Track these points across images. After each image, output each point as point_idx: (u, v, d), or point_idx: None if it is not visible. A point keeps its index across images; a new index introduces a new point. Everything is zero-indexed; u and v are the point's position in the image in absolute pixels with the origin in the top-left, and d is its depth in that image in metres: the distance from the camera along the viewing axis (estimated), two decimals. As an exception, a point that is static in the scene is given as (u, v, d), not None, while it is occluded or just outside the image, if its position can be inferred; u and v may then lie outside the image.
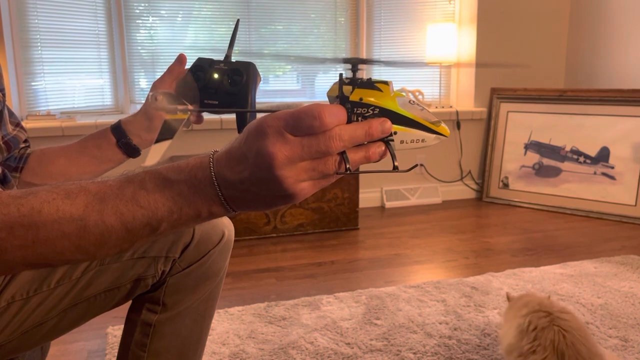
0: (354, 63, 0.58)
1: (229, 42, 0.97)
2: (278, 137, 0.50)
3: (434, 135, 0.58)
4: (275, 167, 0.50)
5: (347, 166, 0.53)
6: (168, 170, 0.54)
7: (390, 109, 0.56)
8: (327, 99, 0.61)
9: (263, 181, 0.51)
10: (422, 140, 0.58)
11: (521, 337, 1.26)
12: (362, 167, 0.66)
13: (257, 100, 0.94)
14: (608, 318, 1.77)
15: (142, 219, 0.53)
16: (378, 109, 0.56)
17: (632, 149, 2.98)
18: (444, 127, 0.59)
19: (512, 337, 1.29)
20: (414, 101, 0.58)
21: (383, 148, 0.55)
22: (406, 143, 0.58)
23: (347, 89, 0.57)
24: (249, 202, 0.54)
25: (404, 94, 0.58)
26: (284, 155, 0.50)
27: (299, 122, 0.50)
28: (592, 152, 3.11)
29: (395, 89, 0.60)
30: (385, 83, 0.57)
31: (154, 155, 0.47)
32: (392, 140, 0.57)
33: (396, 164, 0.56)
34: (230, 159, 0.53)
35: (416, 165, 0.65)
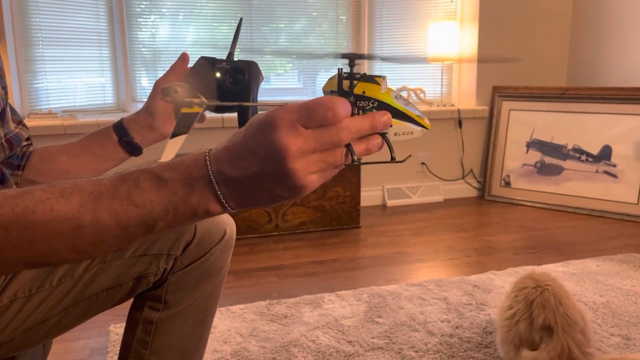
0: (351, 58, 0.59)
1: (231, 40, 0.97)
2: (291, 130, 0.50)
3: (420, 128, 0.61)
4: (288, 160, 0.50)
5: (354, 157, 0.54)
6: (162, 169, 0.54)
7: (387, 102, 0.59)
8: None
9: (273, 175, 0.51)
10: (411, 133, 0.61)
11: (505, 298, 1.44)
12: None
13: (259, 98, 0.94)
14: (610, 316, 1.77)
15: (137, 219, 0.53)
16: (377, 102, 0.58)
17: (634, 147, 2.98)
18: (426, 121, 0.62)
19: (500, 303, 1.47)
20: (400, 95, 0.61)
21: (381, 140, 0.57)
22: (399, 135, 0.60)
23: (345, 83, 0.59)
24: (251, 198, 0.54)
25: (393, 88, 0.61)
26: (297, 148, 0.50)
27: (313, 114, 0.50)
28: (594, 150, 3.11)
29: (396, 87, 0.61)
30: (382, 77, 0.59)
31: (171, 150, 0.47)
32: (387, 132, 0.59)
33: (394, 155, 0.59)
34: (233, 156, 0.52)
35: (410, 156, 0.67)
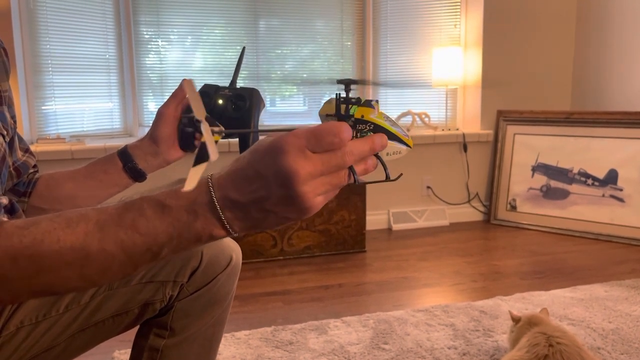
0: (347, 83, 0.62)
1: (234, 68, 0.99)
2: (300, 155, 0.52)
3: (405, 147, 0.65)
4: (299, 184, 0.51)
5: (356, 177, 0.57)
6: (166, 197, 0.55)
7: (381, 125, 0.63)
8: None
9: (282, 198, 0.52)
10: (399, 152, 0.65)
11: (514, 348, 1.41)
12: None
13: (265, 122, 0.96)
14: (619, 343, 1.74)
15: (142, 246, 0.54)
16: (372, 125, 0.62)
17: (640, 171, 2.97)
18: (410, 139, 0.66)
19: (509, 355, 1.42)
20: (387, 117, 0.64)
21: (376, 160, 0.61)
22: (390, 155, 0.64)
23: (341, 107, 0.63)
24: (257, 221, 0.55)
25: (382, 111, 0.65)
26: (307, 172, 0.52)
27: (321, 140, 0.53)
28: (600, 174, 3.10)
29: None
30: (376, 101, 0.64)
31: (193, 178, 0.49)
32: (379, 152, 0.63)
33: (388, 173, 0.64)
34: (238, 180, 0.53)
35: (401, 175, 0.71)
